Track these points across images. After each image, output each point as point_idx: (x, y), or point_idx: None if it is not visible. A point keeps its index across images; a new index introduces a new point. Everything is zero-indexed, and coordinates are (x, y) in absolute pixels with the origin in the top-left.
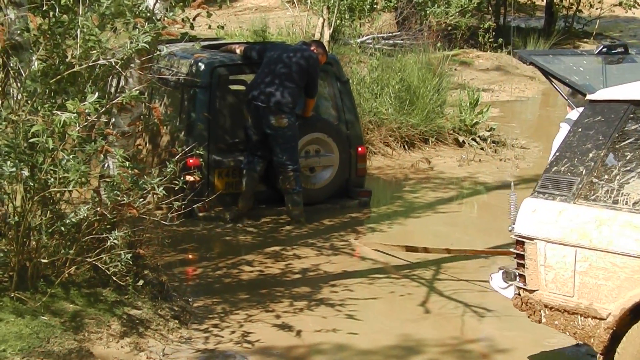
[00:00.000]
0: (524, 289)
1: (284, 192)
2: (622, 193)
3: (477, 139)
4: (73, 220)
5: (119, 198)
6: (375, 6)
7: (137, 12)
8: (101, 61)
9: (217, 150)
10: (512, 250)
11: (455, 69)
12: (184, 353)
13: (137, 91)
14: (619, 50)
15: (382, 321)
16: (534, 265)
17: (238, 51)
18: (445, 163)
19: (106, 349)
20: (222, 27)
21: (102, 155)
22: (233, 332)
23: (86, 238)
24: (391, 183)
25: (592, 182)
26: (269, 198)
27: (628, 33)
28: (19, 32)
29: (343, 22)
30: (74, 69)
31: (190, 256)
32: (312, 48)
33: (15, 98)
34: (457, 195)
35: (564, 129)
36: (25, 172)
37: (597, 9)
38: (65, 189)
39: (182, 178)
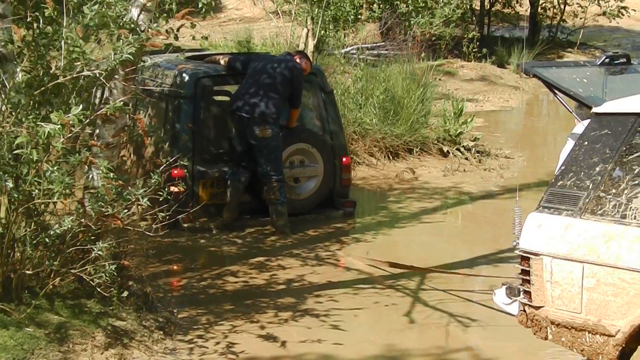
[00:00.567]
0: (530, 305)
1: (269, 203)
2: (631, 207)
3: (462, 149)
4: (57, 231)
5: (104, 209)
6: (359, 17)
7: (121, 24)
8: (85, 72)
9: (201, 161)
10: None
11: (440, 79)
12: None
13: (122, 102)
14: (622, 60)
15: (366, 331)
16: (540, 281)
17: (222, 62)
18: (429, 173)
19: None
20: (206, 38)
21: (86, 167)
22: (218, 343)
23: (70, 249)
24: (376, 193)
25: (599, 197)
26: (253, 209)
27: (612, 42)
28: (3, 43)
29: (327, 33)
30: (58, 81)
31: (174, 267)
32: (296, 59)
33: None
34: (442, 205)
35: (571, 143)
36: (10, 184)
37: (581, 18)
38: (50, 201)
39: (166, 189)
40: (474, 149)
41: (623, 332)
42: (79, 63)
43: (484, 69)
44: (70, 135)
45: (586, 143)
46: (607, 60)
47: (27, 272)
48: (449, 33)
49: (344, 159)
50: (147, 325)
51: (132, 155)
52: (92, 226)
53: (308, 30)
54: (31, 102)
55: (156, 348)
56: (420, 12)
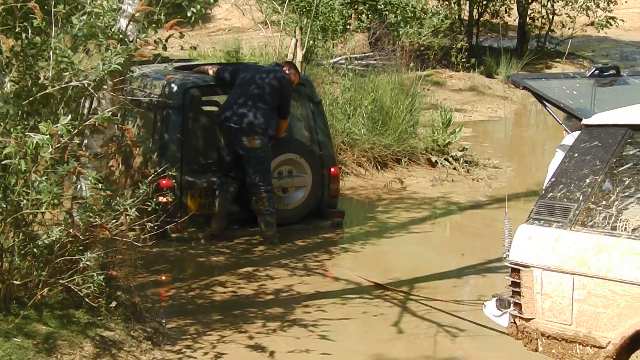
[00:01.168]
0: (520, 317)
1: (257, 213)
2: (621, 219)
3: (450, 159)
4: (45, 241)
5: (92, 219)
6: (348, 27)
7: (110, 34)
8: (74, 83)
9: (190, 171)
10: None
11: (428, 89)
12: None
13: (110, 113)
14: (611, 72)
15: (355, 341)
16: (530, 293)
17: (211, 72)
18: (418, 183)
19: None
20: (195, 48)
21: (74, 177)
22: (206, 353)
23: (59, 260)
24: (364, 203)
25: (589, 208)
26: (242, 219)
27: (600, 53)
28: None
29: (316, 43)
30: (47, 91)
31: (163, 277)
32: (284, 69)
33: None
34: (430, 215)
35: (560, 154)
36: None
37: (569, 29)
38: (38, 211)
39: (154, 199)
40: (462, 159)
41: (614, 344)
42: (67, 73)
43: (473, 79)
44: (58, 145)
45: (576, 155)
46: (597, 72)
47: (16, 282)
48: (437, 43)
49: (333, 169)
50: (136, 335)
51: (120, 166)
52: (81, 236)
53: (297, 40)
54: (19, 112)
55: (144, 358)
56: (409, 22)
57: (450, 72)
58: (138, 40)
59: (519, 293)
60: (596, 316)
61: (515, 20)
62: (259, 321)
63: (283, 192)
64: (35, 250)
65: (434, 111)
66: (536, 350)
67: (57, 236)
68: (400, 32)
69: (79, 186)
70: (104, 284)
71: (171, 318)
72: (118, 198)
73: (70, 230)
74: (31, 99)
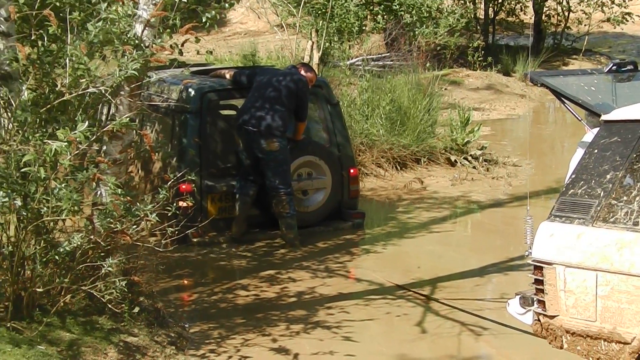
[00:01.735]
0: (544, 315)
1: (278, 216)
2: None
3: (469, 158)
4: (67, 248)
5: (112, 225)
6: (363, 28)
7: (126, 40)
8: (91, 89)
9: (209, 175)
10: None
11: (446, 89)
12: None
13: (128, 118)
14: (629, 67)
15: (379, 342)
16: (554, 291)
17: (227, 76)
18: (437, 183)
19: None
20: (211, 52)
21: (94, 183)
22: (230, 357)
23: (80, 266)
24: (384, 204)
25: (610, 204)
26: (262, 222)
27: (617, 49)
28: (8, 62)
29: (332, 45)
30: (64, 98)
31: (185, 282)
32: (301, 71)
33: (6, 128)
34: (451, 214)
35: (581, 151)
36: (18, 202)
37: (585, 25)
38: (59, 218)
39: (175, 204)
40: (481, 158)
41: (639, 340)
42: (84, 80)
43: (490, 77)
44: (77, 152)
45: (596, 151)
46: (615, 67)
47: (38, 289)
48: (453, 42)
49: (352, 171)
50: (159, 340)
51: (139, 171)
52: (102, 242)
53: (313, 42)
54: (37, 120)
55: None
56: (425, 22)
57: (468, 71)
58: (154, 45)
59: (542, 290)
60: (620, 312)
61: (531, 18)
62: (282, 324)
63: (303, 194)
64: (56, 257)
65: (452, 110)
66: (561, 348)
67: (79, 243)
68: (416, 32)
69: (98, 192)
70: (126, 289)
71: (194, 322)
72: (138, 204)
73: (91, 237)
74: (49, 106)
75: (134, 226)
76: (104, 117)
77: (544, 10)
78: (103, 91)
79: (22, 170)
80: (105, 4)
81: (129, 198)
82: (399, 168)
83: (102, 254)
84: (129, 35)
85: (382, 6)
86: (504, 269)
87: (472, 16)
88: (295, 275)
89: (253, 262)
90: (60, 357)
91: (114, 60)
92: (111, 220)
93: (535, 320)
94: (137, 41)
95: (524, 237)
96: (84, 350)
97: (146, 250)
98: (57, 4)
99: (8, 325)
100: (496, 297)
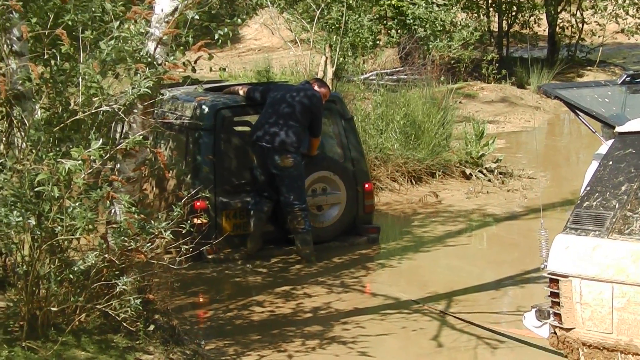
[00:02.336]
0: (560, 328)
1: (294, 232)
2: None
3: (484, 171)
4: (81, 267)
5: (127, 244)
6: (377, 42)
7: (138, 58)
8: (104, 108)
9: (223, 192)
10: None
11: (460, 102)
12: None
13: (141, 136)
14: None
15: (395, 357)
16: (570, 303)
17: (241, 92)
18: (453, 196)
19: None
20: (224, 69)
21: (108, 202)
22: None
23: (95, 285)
24: (400, 218)
25: (625, 216)
26: (277, 238)
27: (632, 59)
28: (20, 81)
29: (346, 60)
30: (77, 117)
31: (200, 299)
32: (314, 87)
33: (19, 147)
34: (466, 227)
35: (595, 163)
36: (32, 221)
37: (599, 36)
38: (73, 237)
39: (189, 221)
40: (496, 171)
41: None
42: (97, 98)
43: (504, 90)
44: (91, 170)
45: (611, 163)
46: (628, 79)
47: (53, 308)
48: (467, 55)
49: (367, 185)
50: (175, 358)
51: (153, 189)
52: (116, 261)
53: (327, 57)
54: (51, 138)
55: None
56: (439, 35)
57: (482, 84)
58: (167, 63)
59: (558, 303)
60: (637, 324)
61: (545, 30)
62: (297, 340)
63: (318, 209)
64: (71, 276)
65: (467, 123)
66: None
67: (93, 261)
68: (430, 46)
69: (112, 211)
70: (141, 307)
71: (210, 339)
72: (152, 221)
73: (106, 255)
74: (62, 125)
75: (149, 244)
76: (117, 136)
77: (558, 22)
78: (116, 109)
79: (36, 189)
80: (118, 23)
81: (143, 216)
82: (413, 182)
83: (117, 272)
84: (141, 53)
85: (396, 20)
86: (520, 281)
87: (486, 29)
88: (310, 290)
89: (268, 278)
90: None
91: (126, 78)
92: (125, 239)
93: (552, 333)
94: (149, 59)
95: (540, 249)
96: None
97: (161, 267)
98: (70, 23)
99: (23, 344)
100: (512, 310)
